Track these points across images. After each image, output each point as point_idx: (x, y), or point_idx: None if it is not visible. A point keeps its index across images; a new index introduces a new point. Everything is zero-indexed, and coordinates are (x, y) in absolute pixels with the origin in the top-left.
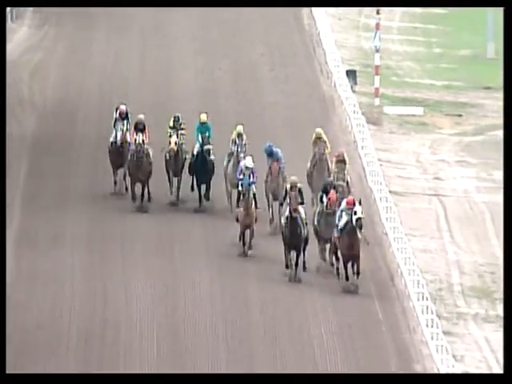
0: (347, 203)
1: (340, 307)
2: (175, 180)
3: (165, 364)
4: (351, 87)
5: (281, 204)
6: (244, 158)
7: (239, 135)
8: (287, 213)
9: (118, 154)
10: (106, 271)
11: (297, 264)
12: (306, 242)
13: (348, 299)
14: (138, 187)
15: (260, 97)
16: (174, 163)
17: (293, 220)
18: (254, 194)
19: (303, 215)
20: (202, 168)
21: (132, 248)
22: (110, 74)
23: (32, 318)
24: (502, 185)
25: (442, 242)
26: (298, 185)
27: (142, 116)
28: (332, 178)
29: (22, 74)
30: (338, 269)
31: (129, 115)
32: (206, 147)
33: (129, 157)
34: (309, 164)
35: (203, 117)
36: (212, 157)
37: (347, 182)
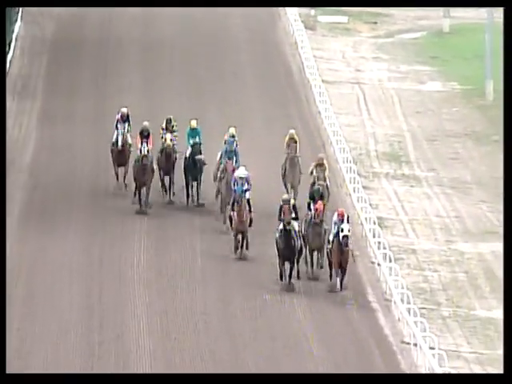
0: (338, 214)
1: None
2: (166, 179)
3: (153, 229)
4: None
5: (279, 220)
6: (237, 167)
7: (232, 137)
8: (281, 226)
9: (119, 154)
10: (108, 142)
11: (290, 275)
12: (300, 253)
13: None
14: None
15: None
16: (166, 162)
17: (286, 233)
18: (249, 200)
19: (296, 228)
20: (195, 169)
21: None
22: None
23: (52, 177)
24: (407, 75)
25: (362, 118)
26: (292, 201)
27: (146, 123)
28: (318, 186)
29: None
30: (330, 275)
31: (130, 118)
32: (197, 157)
33: (134, 163)
34: (283, 164)
35: (193, 123)
36: (202, 156)
37: (327, 185)
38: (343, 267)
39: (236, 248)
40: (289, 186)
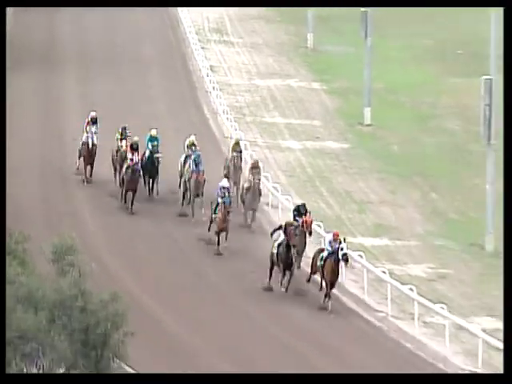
0: (334, 235)
1: None
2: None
3: None
4: None
5: (279, 229)
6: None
7: (192, 145)
8: (281, 240)
9: (88, 156)
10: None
11: (289, 281)
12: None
13: None
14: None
15: None
16: (122, 161)
17: (289, 250)
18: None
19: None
20: (152, 167)
21: None
22: None
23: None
24: None
25: (200, 8)
26: (295, 223)
27: (137, 138)
28: (303, 202)
29: None
30: (321, 287)
31: (97, 120)
32: (155, 155)
33: (125, 170)
34: (226, 163)
35: (153, 132)
36: (160, 158)
37: (259, 188)
38: (335, 280)
39: (218, 244)
40: (231, 182)
